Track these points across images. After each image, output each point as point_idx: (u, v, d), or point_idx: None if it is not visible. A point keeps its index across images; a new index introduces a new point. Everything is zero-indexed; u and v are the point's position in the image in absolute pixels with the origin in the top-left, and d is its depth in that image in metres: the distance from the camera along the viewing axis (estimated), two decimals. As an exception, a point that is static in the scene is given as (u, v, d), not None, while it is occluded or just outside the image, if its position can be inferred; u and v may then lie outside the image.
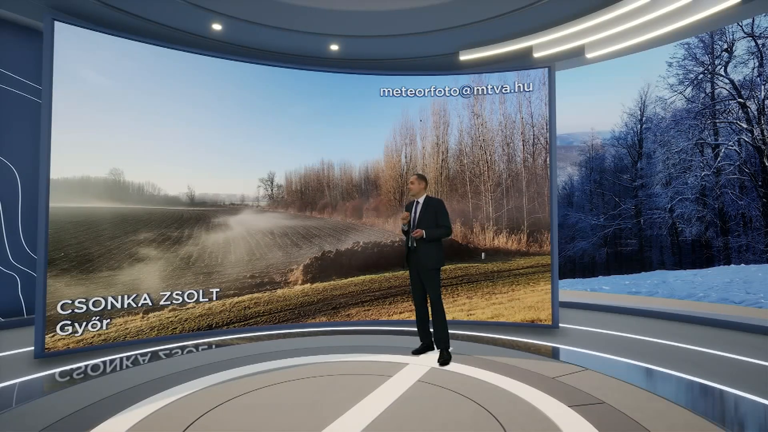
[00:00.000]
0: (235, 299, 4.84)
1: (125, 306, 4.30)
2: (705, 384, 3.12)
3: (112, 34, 4.31)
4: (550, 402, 2.75)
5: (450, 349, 3.70)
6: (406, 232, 3.82)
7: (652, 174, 17.41)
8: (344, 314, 5.14)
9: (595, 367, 3.47)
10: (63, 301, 3.97)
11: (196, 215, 4.87)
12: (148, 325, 4.38)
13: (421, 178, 3.82)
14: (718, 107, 15.32)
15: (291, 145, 5.31)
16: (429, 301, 3.76)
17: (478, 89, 5.33)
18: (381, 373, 3.32)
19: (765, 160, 13.83)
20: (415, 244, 3.71)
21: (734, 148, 14.66)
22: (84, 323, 4.07)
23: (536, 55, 5.33)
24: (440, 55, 5.75)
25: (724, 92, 15.15)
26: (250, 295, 4.90)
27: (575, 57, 5.43)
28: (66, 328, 3.97)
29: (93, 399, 2.85)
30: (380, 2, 4.62)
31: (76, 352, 3.97)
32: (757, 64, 14.31)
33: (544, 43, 5.21)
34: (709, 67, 15.57)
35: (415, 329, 4.01)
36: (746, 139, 14.34)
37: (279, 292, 5.04)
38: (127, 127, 4.41)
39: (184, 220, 4.79)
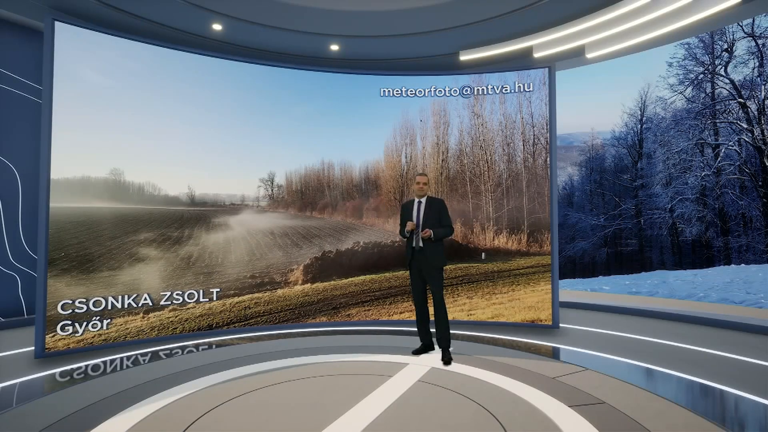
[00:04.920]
0: (236, 299, 4.84)
1: (125, 306, 4.30)
2: (705, 384, 3.12)
3: (113, 35, 4.32)
4: (551, 402, 2.75)
5: (450, 349, 3.70)
6: (408, 236, 3.82)
7: (653, 174, 17.40)
8: (344, 314, 5.14)
9: (595, 367, 3.47)
10: (63, 301, 3.97)
11: (197, 215, 4.87)
12: (149, 325, 4.38)
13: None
14: (718, 107, 15.30)
15: (291, 145, 5.31)
16: (432, 300, 3.77)
17: (478, 89, 5.33)
18: (381, 373, 3.32)
19: (765, 160, 13.82)
20: (421, 245, 3.71)
21: (734, 148, 14.65)
22: (84, 323, 4.07)
23: (536, 55, 5.33)
24: (440, 55, 5.75)
25: (725, 92, 15.13)
26: (250, 295, 4.90)
27: (575, 57, 5.43)
28: (66, 328, 3.97)
29: (93, 399, 2.85)
30: (380, 2, 4.62)
31: (77, 352, 3.97)
32: (757, 64, 14.30)
33: (544, 43, 5.21)
34: (710, 67, 15.55)
35: (415, 329, 4.02)
36: (746, 139, 14.33)
37: (279, 292, 5.04)
38: (127, 127, 4.41)
39: (185, 220, 4.80)
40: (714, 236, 15.34)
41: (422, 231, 3.67)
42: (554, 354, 3.94)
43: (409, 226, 3.73)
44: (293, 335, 4.61)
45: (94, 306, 4.13)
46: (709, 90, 15.66)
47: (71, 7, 4.43)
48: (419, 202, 3.82)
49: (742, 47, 14.68)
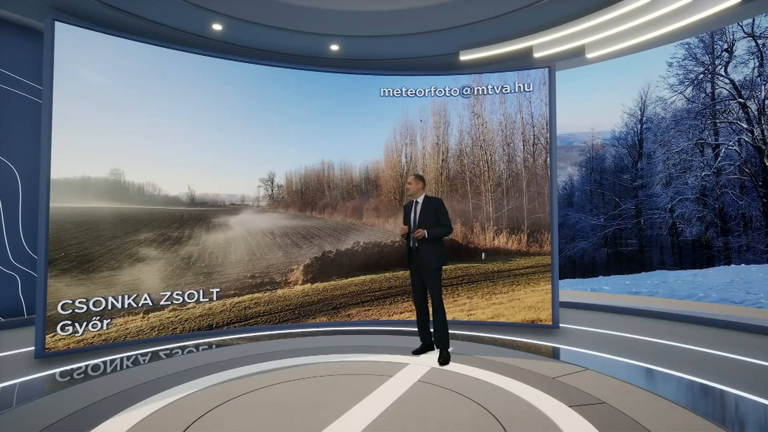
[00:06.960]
0: (236, 299, 4.84)
1: (126, 306, 4.30)
2: (705, 384, 3.12)
3: (112, 34, 4.31)
4: (551, 402, 2.75)
5: (450, 349, 3.70)
6: (406, 236, 3.85)
7: (653, 174, 17.39)
8: (344, 314, 5.14)
9: (595, 367, 3.47)
10: (63, 301, 3.97)
11: (197, 215, 4.87)
12: (149, 325, 4.38)
13: (419, 178, 3.83)
14: (718, 107, 15.30)
15: (291, 145, 5.31)
16: (430, 300, 3.77)
17: (478, 89, 5.33)
18: (381, 373, 3.32)
19: (765, 160, 13.82)
20: (416, 244, 3.72)
21: (734, 148, 14.65)
22: (84, 323, 4.07)
23: (536, 55, 5.33)
24: (440, 55, 5.75)
25: (725, 92, 15.12)
26: (250, 295, 4.90)
27: (575, 57, 5.43)
28: (66, 328, 3.97)
29: (93, 399, 2.85)
30: (380, 2, 4.62)
31: (77, 352, 3.97)
32: (757, 64, 14.29)
33: (544, 43, 5.21)
34: (710, 67, 15.55)
35: (415, 329, 4.02)
36: (746, 139, 14.33)
37: (279, 292, 5.04)
38: (127, 127, 4.41)
39: (185, 220, 4.79)
40: (714, 236, 15.34)
41: (415, 231, 3.67)
42: (554, 354, 3.94)
43: (400, 230, 3.82)
44: (293, 335, 4.61)
45: (94, 306, 4.13)
46: (709, 90, 15.66)
47: (71, 7, 4.43)
48: (416, 203, 3.83)
49: (742, 47, 14.68)
